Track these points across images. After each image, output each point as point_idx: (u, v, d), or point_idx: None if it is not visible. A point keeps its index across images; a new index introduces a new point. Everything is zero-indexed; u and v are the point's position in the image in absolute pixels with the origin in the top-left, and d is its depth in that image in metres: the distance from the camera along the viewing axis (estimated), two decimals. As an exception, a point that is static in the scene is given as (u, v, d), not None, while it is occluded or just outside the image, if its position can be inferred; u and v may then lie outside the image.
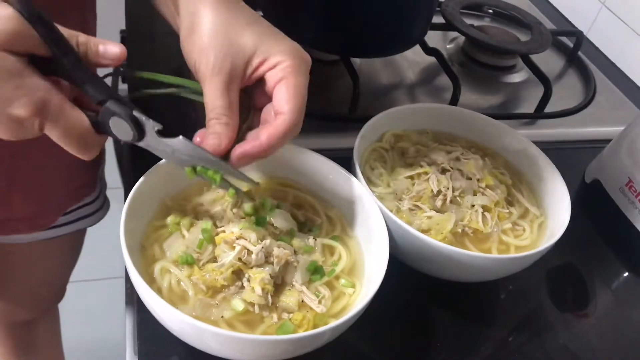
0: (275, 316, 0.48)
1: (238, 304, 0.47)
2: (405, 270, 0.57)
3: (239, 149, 0.48)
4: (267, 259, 0.49)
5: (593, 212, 0.74)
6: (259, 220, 0.51)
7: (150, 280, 0.49)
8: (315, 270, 0.51)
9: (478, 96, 0.87)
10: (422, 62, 0.90)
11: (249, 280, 0.49)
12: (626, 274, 0.68)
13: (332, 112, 0.75)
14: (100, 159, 0.79)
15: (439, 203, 0.59)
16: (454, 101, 0.78)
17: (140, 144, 0.47)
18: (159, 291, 0.48)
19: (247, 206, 0.51)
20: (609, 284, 0.67)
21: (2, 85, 0.39)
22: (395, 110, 0.65)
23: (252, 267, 0.49)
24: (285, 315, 0.49)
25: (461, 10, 0.94)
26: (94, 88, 0.44)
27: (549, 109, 0.83)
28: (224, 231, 0.51)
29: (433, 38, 0.95)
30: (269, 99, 0.50)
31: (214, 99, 0.47)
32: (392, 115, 0.65)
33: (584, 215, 0.73)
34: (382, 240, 0.51)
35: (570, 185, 0.61)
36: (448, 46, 0.97)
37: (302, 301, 0.49)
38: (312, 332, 0.44)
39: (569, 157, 0.79)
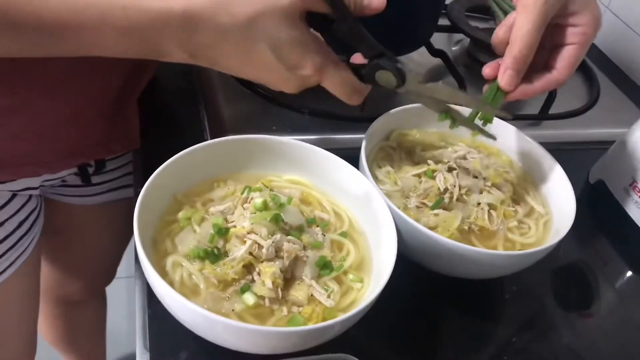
0: (285, 309, 0.49)
1: (249, 297, 0.48)
2: (413, 267, 0.58)
3: (520, 90, 0.56)
4: (277, 253, 0.50)
5: (597, 212, 0.75)
6: (274, 217, 0.52)
7: (163, 274, 0.49)
8: (324, 265, 0.52)
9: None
10: (428, 64, 0.91)
11: (259, 274, 0.49)
12: (630, 273, 0.69)
13: (342, 112, 0.76)
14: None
15: (446, 201, 0.59)
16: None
17: (400, 90, 0.55)
18: (171, 284, 0.48)
19: (258, 202, 0.52)
20: (613, 283, 0.67)
21: (296, 50, 0.49)
22: (402, 109, 0.66)
23: (262, 261, 0.50)
24: (295, 309, 0.49)
25: (466, 13, 0.95)
26: (367, 45, 0.52)
27: (553, 110, 0.84)
28: (234, 226, 0.51)
29: (439, 40, 0.95)
30: (545, 40, 0.55)
31: (528, 30, 0.52)
32: (398, 114, 0.66)
33: (588, 216, 0.73)
34: (390, 236, 0.52)
35: (574, 185, 0.62)
36: (453, 48, 0.98)
37: (312, 295, 0.50)
38: (321, 325, 0.45)
39: (573, 158, 0.79)
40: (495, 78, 0.57)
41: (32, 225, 0.79)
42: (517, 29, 0.53)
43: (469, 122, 0.60)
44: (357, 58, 0.55)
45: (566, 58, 0.57)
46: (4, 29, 0.45)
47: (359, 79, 0.54)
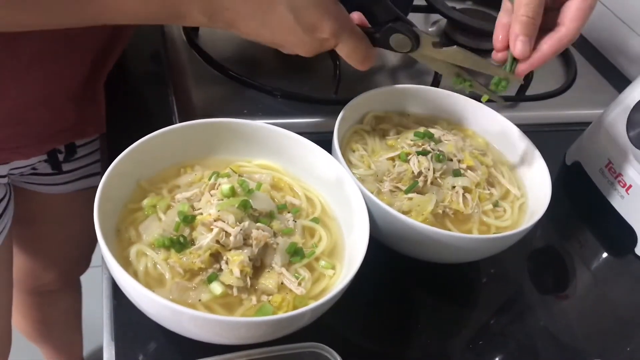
0: (254, 298, 0.48)
1: (216, 287, 0.47)
2: (386, 251, 0.57)
3: (528, 64, 0.54)
4: (245, 241, 0.49)
5: (574, 193, 0.74)
6: (242, 203, 0.50)
7: (126, 264, 0.48)
8: (295, 252, 0.51)
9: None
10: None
11: (227, 263, 0.48)
12: (605, 254, 0.69)
13: (314, 95, 0.74)
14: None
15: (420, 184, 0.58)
16: (435, 84, 0.77)
17: (414, 54, 0.56)
18: (135, 275, 0.47)
19: (225, 188, 0.50)
20: (588, 265, 0.67)
21: (315, 14, 0.49)
22: (376, 91, 0.65)
23: (230, 250, 0.48)
24: (264, 298, 0.48)
25: (443, -7, 0.94)
26: (383, 9, 0.53)
27: (530, 91, 0.83)
28: (201, 213, 0.50)
29: (415, 20, 0.93)
30: (550, 3, 0.54)
31: None
32: (372, 96, 0.65)
33: (565, 197, 0.73)
34: (363, 221, 0.51)
35: (551, 167, 0.61)
36: (430, 29, 0.96)
37: (282, 283, 0.49)
38: (291, 314, 0.43)
39: (550, 139, 0.79)
40: (507, 49, 0.55)
41: (1, 214, 0.77)
42: None
43: (482, 87, 0.60)
44: (355, 18, 0.56)
45: (572, 10, 0.54)
46: None
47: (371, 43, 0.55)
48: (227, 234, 0.48)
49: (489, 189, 0.61)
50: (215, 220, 0.48)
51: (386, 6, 0.53)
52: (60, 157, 0.82)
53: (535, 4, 0.52)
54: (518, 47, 0.53)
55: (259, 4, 0.49)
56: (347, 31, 0.52)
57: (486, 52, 0.91)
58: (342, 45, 0.53)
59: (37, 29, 0.49)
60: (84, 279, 1.19)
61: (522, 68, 0.55)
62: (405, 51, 0.56)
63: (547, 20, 0.55)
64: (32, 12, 0.47)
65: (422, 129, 0.63)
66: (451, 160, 0.60)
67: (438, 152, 0.60)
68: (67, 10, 0.47)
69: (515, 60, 0.56)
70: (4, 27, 0.48)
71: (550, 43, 0.54)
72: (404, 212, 0.55)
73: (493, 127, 0.68)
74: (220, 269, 0.48)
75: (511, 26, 0.54)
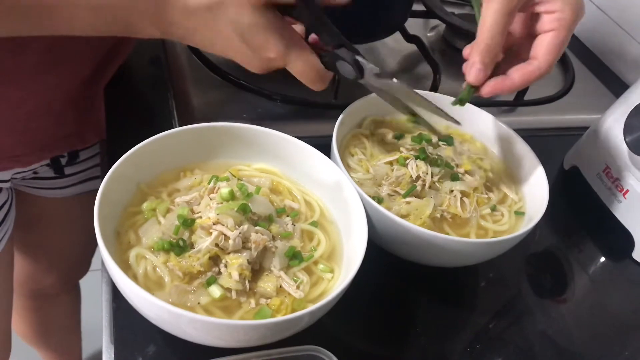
0: (252, 302, 0.48)
1: (215, 290, 0.47)
2: (385, 255, 0.57)
3: (492, 85, 0.54)
4: (244, 244, 0.49)
5: (572, 198, 0.75)
6: (241, 207, 0.51)
7: (126, 267, 0.48)
8: (294, 256, 0.51)
9: (458, 84, 0.87)
10: (403, 50, 0.90)
11: (226, 266, 0.48)
12: (603, 259, 0.69)
13: (313, 99, 0.74)
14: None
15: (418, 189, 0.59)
16: (434, 88, 0.78)
17: (361, 81, 0.56)
18: (134, 278, 0.48)
19: (224, 191, 0.51)
20: (586, 269, 0.68)
21: (259, 34, 0.49)
22: (375, 96, 0.65)
23: (229, 253, 0.48)
24: (263, 301, 0.48)
25: (442, -1, 0.94)
26: (328, 35, 0.53)
27: (528, 96, 0.84)
28: (200, 217, 0.50)
29: (414, 25, 0.94)
30: (525, 31, 0.55)
31: (493, 21, 0.51)
32: (371, 101, 0.65)
33: (563, 202, 0.73)
34: (361, 225, 0.51)
35: (549, 172, 0.62)
36: (429, 34, 0.97)
37: (280, 286, 0.49)
38: (290, 317, 0.44)
39: (548, 144, 0.79)
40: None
41: (3, 218, 0.77)
42: (482, 22, 0.53)
43: (428, 125, 0.62)
44: (313, 38, 0.55)
45: (544, 45, 0.54)
46: None
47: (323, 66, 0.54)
48: (226, 238, 0.48)
49: (486, 193, 0.61)
50: (214, 224, 0.48)
51: (332, 32, 0.53)
52: (63, 161, 0.82)
53: (494, 32, 0.52)
54: (472, 73, 0.53)
55: (206, 23, 0.49)
56: (294, 53, 0.51)
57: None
58: (291, 66, 0.53)
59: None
60: (84, 282, 1.19)
61: (487, 91, 0.55)
62: (351, 78, 0.55)
63: (520, 49, 0.56)
64: None
65: (417, 133, 0.63)
66: (449, 165, 0.61)
67: (436, 157, 0.60)
68: (25, 22, 0.48)
69: (471, 88, 0.55)
70: None
71: (521, 74, 0.54)
72: (402, 216, 0.56)
73: (491, 131, 0.68)
74: (219, 272, 0.48)
75: (471, 51, 0.54)
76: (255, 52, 0.51)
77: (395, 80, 0.56)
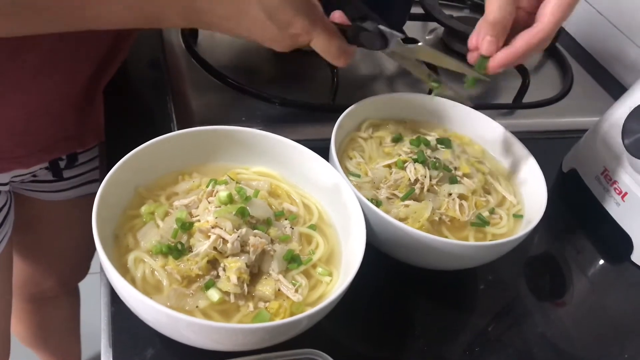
0: (251, 305, 0.48)
1: (213, 294, 0.47)
2: (383, 258, 0.57)
3: (498, 59, 0.55)
4: (243, 247, 0.49)
5: (570, 201, 0.75)
6: (239, 210, 0.51)
7: (124, 271, 0.48)
8: (292, 259, 0.51)
9: (457, 87, 0.87)
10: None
11: (224, 270, 0.48)
12: (602, 261, 0.69)
13: (312, 102, 0.74)
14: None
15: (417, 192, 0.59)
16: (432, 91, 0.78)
17: (385, 51, 0.57)
18: (132, 281, 0.48)
19: (223, 195, 0.51)
20: (585, 272, 0.68)
21: (286, 11, 0.51)
22: (373, 99, 0.65)
23: (227, 256, 0.48)
24: (261, 304, 0.48)
25: (440, 1, 0.94)
26: (353, 8, 0.55)
27: (527, 99, 0.84)
28: (199, 220, 0.50)
29: (412, 28, 0.94)
30: (534, 6, 0.55)
31: None
32: (369, 104, 0.65)
33: (562, 204, 0.73)
34: (360, 228, 0.51)
35: (547, 174, 0.62)
36: (427, 37, 0.97)
37: (279, 290, 0.49)
38: (288, 320, 0.44)
39: (547, 147, 0.79)
40: (477, 48, 0.56)
41: (2, 221, 0.77)
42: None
43: (448, 89, 0.62)
44: (337, 16, 0.57)
45: (549, 6, 0.53)
46: (14, 6, 0.46)
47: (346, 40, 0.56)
48: (225, 241, 0.48)
49: (485, 196, 0.61)
50: (212, 227, 0.48)
51: (355, 4, 0.55)
52: (62, 164, 0.82)
53: (504, 6, 0.53)
54: (484, 45, 0.55)
55: (234, 6, 0.51)
56: (319, 27, 0.53)
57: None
58: (316, 41, 0.54)
59: (21, 35, 0.51)
60: (83, 285, 1.19)
61: (494, 64, 0.55)
62: (375, 48, 0.57)
63: (529, 24, 0.55)
64: (23, 19, 0.48)
65: (415, 137, 0.63)
66: (447, 167, 0.61)
67: (434, 160, 0.60)
68: (55, 18, 0.49)
69: (485, 59, 0.56)
70: None
71: (523, 38, 0.54)
72: (401, 219, 0.56)
73: (489, 134, 0.68)
74: (218, 276, 0.48)
75: (481, 27, 0.55)
76: (281, 30, 0.52)
77: (421, 43, 0.58)
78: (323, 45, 0.55)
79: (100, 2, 0.49)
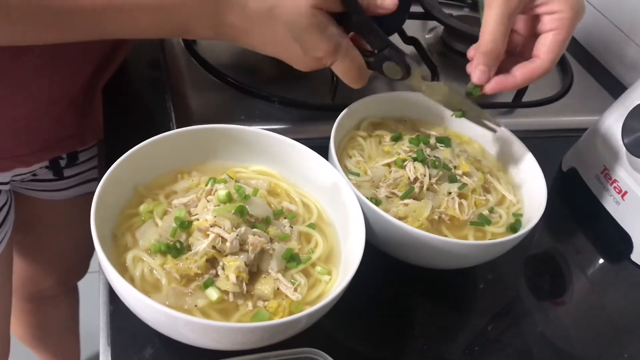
0: (250, 304, 0.48)
1: (212, 293, 0.47)
2: (382, 257, 0.57)
3: (495, 82, 0.57)
4: (242, 246, 0.49)
5: (570, 200, 0.75)
6: (238, 209, 0.50)
7: (123, 269, 0.48)
8: (291, 258, 0.51)
9: (457, 85, 0.87)
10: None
11: (223, 269, 0.48)
12: (601, 261, 0.69)
13: (311, 101, 0.74)
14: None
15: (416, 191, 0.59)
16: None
17: (405, 81, 0.59)
18: (131, 280, 0.48)
19: (222, 194, 0.50)
20: (584, 271, 0.67)
21: (312, 35, 0.52)
22: (372, 98, 0.65)
23: (226, 255, 0.48)
24: (260, 303, 0.48)
25: (440, 0, 0.94)
26: (375, 37, 0.56)
27: (526, 98, 0.84)
28: (197, 219, 0.50)
29: (412, 27, 0.94)
30: (528, 32, 0.58)
31: (495, 24, 0.54)
32: (369, 102, 0.65)
33: (561, 203, 0.73)
34: (359, 227, 0.51)
35: (547, 173, 0.62)
36: (427, 36, 0.97)
37: (278, 289, 0.49)
38: (287, 319, 0.44)
39: (547, 146, 0.79)
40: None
41: (2, 220, 0.77)
42: (484, 25, 0.55)
43: (474, 118, 0.63)
44: (353, 37, 0.58)
45: (546, 44, 0.56)
46: (45, 15, 0.47)
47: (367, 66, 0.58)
48: (224, 240, 0.48)
49: (484, 195, 0.61)
50: (211, 226, 0.48)
51: (379, 35, 0.56)
52: (62, 162, 0.82)
53: (496, 35, 0.55)
54: (476, 74, 0.57)
55: (262, 24, 0.52)
56: (342, 51, 0.55)
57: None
58: (338, 64, 0.56)
59: (52, 43, 0.52)
60: (82, 284, 1.19)
61: (491, 88, 0.57)
62: (396, 78, 0.59)
63: (524, 49, 0.59)
64: (52, 28, 0.49)
65: (415, 135, 0.63)
66: (447, 166, 0.61)
67: (434, 158, 0.60)
68: (84, 27, 0.50)
69: (476, 87, 0.58)
70: (25, 41, 0.51)
71: (523, 72, 0.57)
72: (400, 218, 0.56)
73: (489, 133, 0.68)
74: (217, 275, 0.48)
75: (474, 53, 0.57)
76: (306, 52, 0.53)
77: (442, 82, 0.60)
78: (344, 70, 0.56)
79: (127, 15, 0.49)
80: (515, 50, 0.60)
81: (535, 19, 0.58)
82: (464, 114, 0.62)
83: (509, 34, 0.56)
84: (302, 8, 0.51)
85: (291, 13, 0.51)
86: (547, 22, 0.56)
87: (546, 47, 0.56)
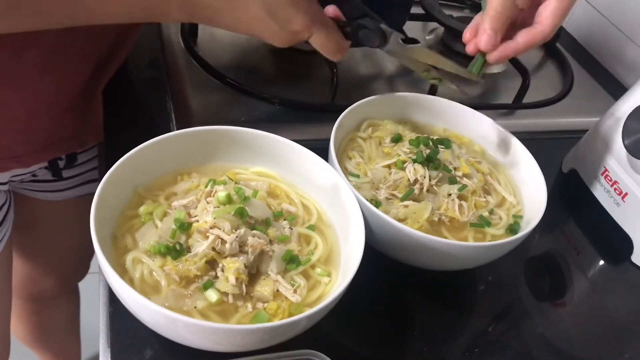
0: (249, 306, 0.48)
1: (212, 294, 0.47)
2: (382, 259, 0.57)
3: (499, 50, 0.57)
4: (241, 248, 0.49)
5: (570, 201, 0.74)
6: (238, 211, 0.50)
7: (122, 271, 0.48)
8: (291, 260, 0.51)
9: (457, 87, 0.87)
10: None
11: (223, 270, 0.48)
12: (601, 262, 0.69)
13: (312, 102, 0.74)
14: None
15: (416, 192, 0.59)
16: (432, 92, 0.78)
17: (384, 49, 0.59)
18: (131, 282, 0.48)
19: (222, 195, 0.50)
20: (585, 272, 0.67)
21: (287, 9, 0.52)
22: (373, 99, 0.65)
23: (226, 257, 0.48)
24: (259, 305, 0.48)
25: (440, 1, 0.94)
26: (350, 6, 0.56)
27: (527, 99, 0.84)
28: (197, 221, 0.50)
29: (412, 29, 0.94)
30: (530, 2, 0.57)
31: None
32: (369, 104, 0.65)
33: (562, 205, 0.73)
34: (359, 229, 0.51)
35: (547, 175, 0.62)
36: (427, 37, 0.97)
37: (277, 291, 0.49)
38: (287, 321, 0.43)
39: (547, 147, 0.79)
40: (472, 39, 0.58)
41: (2, 221, 0.77)
42: None
43: (450, 85, 0.63)
44: (330, 11, 0.58)
45: (548, 9, 0.56)
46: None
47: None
48: (223, 242, 0.48)
49: (484, 197, 0.61)
50: (211, 228, 0.48)
51: (356, 4, 0.56)
52: (61, 163, 0.82)
53: (505, 3, 0.55)
54: (483, 39, 0.56)
55: (234, 1, 0.51)
56: (318, 24, 0.55)
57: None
58: (315, 37, 0.55)
59: (19, 31, 0.51)
60: (83, 284, 1.19)
61: (495, 56, 0.57)
62: (374, 46, 0.59)
63: (526, 20, 0.58)
64: (21, 12, 0.48)
65: (415, 137, 0.63)
66: (447, 167, 0.61)
67: (434, 160, 0.60)
68: (54, 11, 0.49)
69: (482, 57, 0.58)
70: None
71: (525, 37, 0.57)
72: (400, 220, 0.56)
73: (489, 134, 0.68)
74: (216, 276, 0.48)
75: (481, 21, 0.57)
76: (282, 27, 0.53)
77: (421, 44, 0.60)
78: (322, 42, 0.56)
79: (101, 1, 0.49)
80: (516, 22, 0.59)
81: None
82: (440, 81, 0.62)
83: (515, 3, 0.56)
84: None
85: None
86: None
87: (548, 13, 0.56)
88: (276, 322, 0.44)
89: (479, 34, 0.57)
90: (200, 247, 0.48)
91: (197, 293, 0.47)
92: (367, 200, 0.54)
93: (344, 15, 0.57)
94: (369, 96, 0.65)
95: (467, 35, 0.59)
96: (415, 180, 0.59)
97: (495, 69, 0.92)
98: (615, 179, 0.68)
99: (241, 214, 0.50)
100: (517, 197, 0.63)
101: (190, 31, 0.82)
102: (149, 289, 0.47)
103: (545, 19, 0.56)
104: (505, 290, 0.64)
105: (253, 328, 0.43)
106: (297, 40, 0.55)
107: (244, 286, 0.48)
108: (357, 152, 0.63)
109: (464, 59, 0.90)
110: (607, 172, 0.70)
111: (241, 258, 0.48)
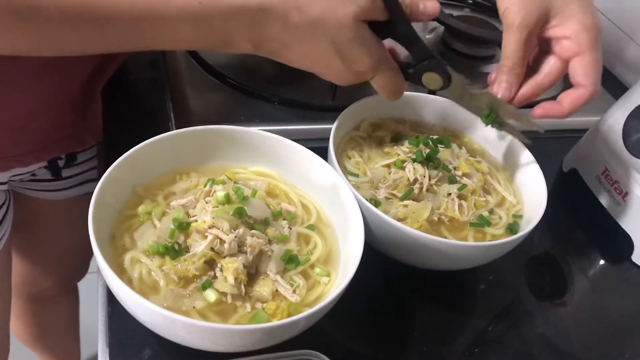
0: (248, 306, 0.48)
1: (210, 294, 0.47)
2: (382, 259, 0.57)
3: (543, 108, 0.60)
4: (240, 248, 0.49)
5: (571, 201, 0.74)
6: (237, 210, 0.50)
7: (121, 271, 0.48)
8: (290, 260, 0.51)
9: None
10: (402, 52, 0.90)
11: (221, 270, 0.48)
12: (602, 262, 0.69)
13: (311, 101, 0.74)
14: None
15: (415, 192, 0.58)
16: (433, 91, 0.77)
17: (443, 92, 0.59)
18: (129, 282, 0.47)
19: (220, 195, 0.50)
20: (585, 272, 0.67)
21: (355, 49, 0.51)
22: (373, 99, 0.65)
23: (224, 257, 0.48)
24: (258, 305, 0.48)
25: (440, 0, 0.94)
26: (418, 47, 0.55)
27: (527, 99, 0.83)
28: (196, 220, 0.50)
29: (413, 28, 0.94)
30: (540, 49, 0.60)
31: (514, 49, 0.57)
32: (369, 103, 0.65)
33: (562, 204, 0.73)
34: (358, 228, 0.51)
35: (548, 174, 0.61)
36: (427, 36, 0.96)
37: (276, 291, 0.49)
38: (286, 321, 0.43)
39: (547, 146, 0.79)
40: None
41: (1, 220, 0.77)
42: (504, 48, 0.58)
43: (513, 129, 0.63)
44: (388, 48, 0.57)
45: (579, 70, 0.57)
46: (83, 23, 0.46)
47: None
48: (222, 241, 0.48)
49: (484, 196, 0.61)
50: (210, 228, 0.48)
51: (421, 46, 0.55)
52: (61, 163, 0.82)
53: (515, 57, 0.57)
54: (502, 91, 0.59)
55: (304, 37, 0.51)
56: (383, 65, 0.54)
57: (483, 59, 0.92)
58: (378, 78, 0.55)
59: (90, 54, 0.51)
60: (82, 284, 1.19)
61: (538, 113, 0.60)
62: (435, 89, 0.58)
63: (535, 63, 0.60)
64: (90, 37, 0.48)
65: (415, 136, 0.63)
66: (447, 167, 0.60)
67: (433, 159, 0.60)
68: (122, 35, 0.49)
69: (492, 113, 0.61)
70: (62, 51, 0.50)
71: (570, 99, 0.58)
72: (400, 220, 0.55)
73: (489, 134, 0.68)
74: (215, 276, 0.48)
75: (497, 72, 0.59)
76: (348, 66, 0.52)
77: (486, 90, 0.60)
78: (384, 84, 0.56)
79: (167, 24, 0.48)
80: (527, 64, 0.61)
81: (554, 43, 0.59)
82: (501, 126, 0.62)
83: (528, 56, 0.58)
84: (345, 21, 0.49)
85: (334, 26, 0.49)
86: (567, 46, 0.57)
87: (583, 73, 0.57)
88: (275, 323, 0.44)
89: (496, 83, 0.58)
90: (199, 247, 0.47)
91: (195, 293, 0.47)
92: (367, 199, 0.54)
93: (412, 56, 0.56)
94: (368, 96, 0.65)
95: (493, 76, 0.60)
96: (415, 180, 0.58)
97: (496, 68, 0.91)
98: (616, 178, 0.68)
99: (240, 213, 0.50)
100: (517, 196, 0.63)
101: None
102: (147, 289, 0.47)
103: (582, 80, 0.57)
104: (506, 290, 0.64)
105: (252, 328, 0.43)
106: (359, 80, 0.55)
107: (242, 286, 0.48)
108: (357, 152, 0.63)
109: (464, 59, 0.91)
110: (607, 172, 0.69)
111: (240, 258, 0.48)
